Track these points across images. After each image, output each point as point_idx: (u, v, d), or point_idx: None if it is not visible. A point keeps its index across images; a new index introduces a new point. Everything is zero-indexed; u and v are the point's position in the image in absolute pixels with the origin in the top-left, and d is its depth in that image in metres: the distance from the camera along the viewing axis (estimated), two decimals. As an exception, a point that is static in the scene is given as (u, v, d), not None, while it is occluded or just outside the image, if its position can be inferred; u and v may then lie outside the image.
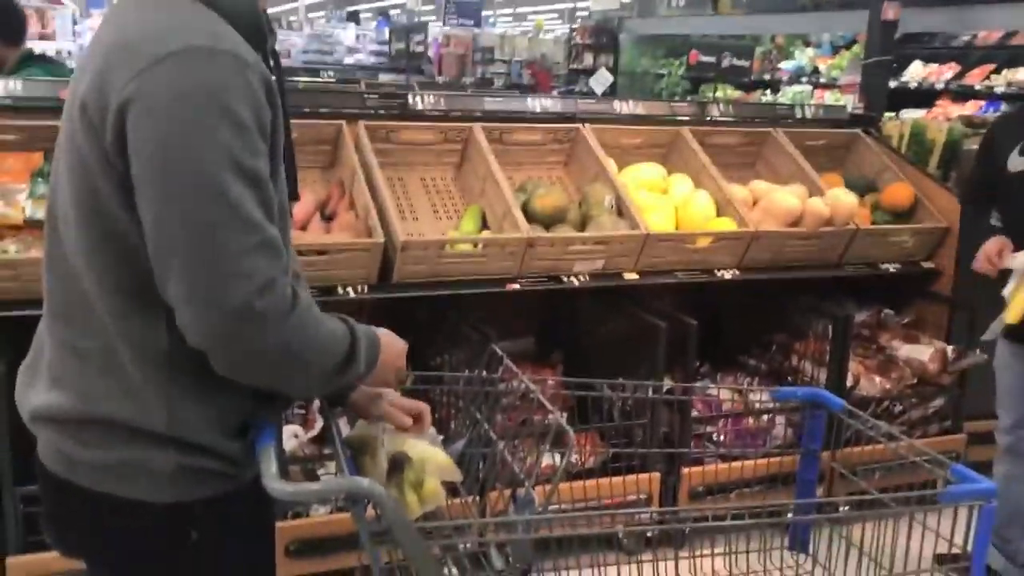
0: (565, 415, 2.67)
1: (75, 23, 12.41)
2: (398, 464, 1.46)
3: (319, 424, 2.63)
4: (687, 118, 3.46)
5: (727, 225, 3.01)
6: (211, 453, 1.29)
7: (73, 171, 1.25)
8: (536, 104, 3.26)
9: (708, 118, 3.54)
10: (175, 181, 1.15)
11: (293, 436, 2.59)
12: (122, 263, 1.24)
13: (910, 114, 6.17)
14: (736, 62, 4.38)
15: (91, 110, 1.20)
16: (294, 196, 1.45)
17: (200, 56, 1.17)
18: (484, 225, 2.88)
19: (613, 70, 10.69)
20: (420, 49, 6.79)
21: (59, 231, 1.30)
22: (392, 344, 1.47)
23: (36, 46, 11.37)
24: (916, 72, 8.24)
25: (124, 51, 1.19)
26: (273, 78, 1.32)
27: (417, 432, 1.56)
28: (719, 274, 2.99)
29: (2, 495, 2.28)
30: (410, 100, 3.12)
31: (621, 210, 2.93)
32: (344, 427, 1.61)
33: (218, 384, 1.25)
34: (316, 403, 2.06)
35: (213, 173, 1.15)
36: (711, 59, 4.56)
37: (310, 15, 23.70)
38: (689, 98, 10.64)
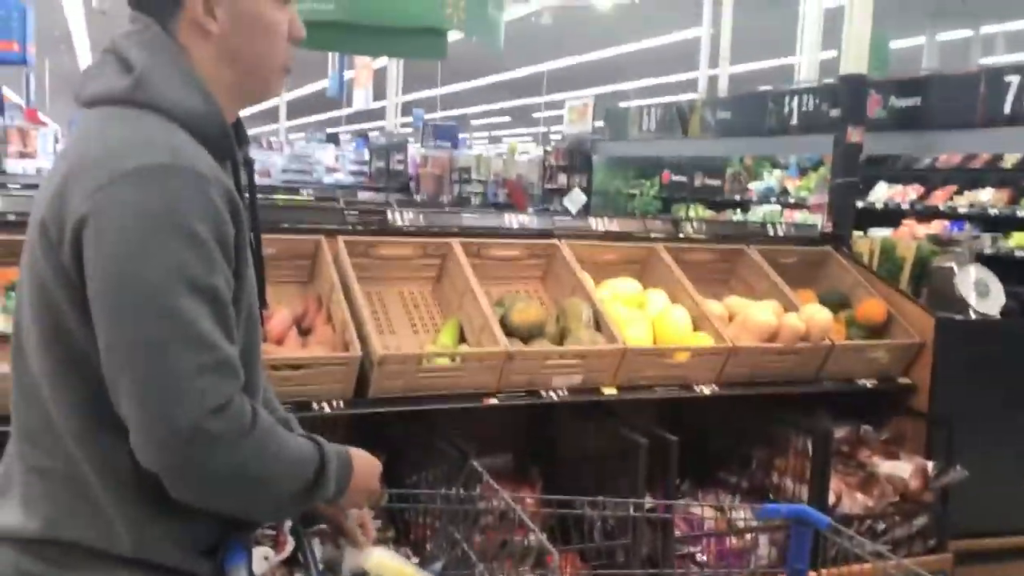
0: (545, 535, 2.62)
1: (56, 142, 12.63)
2: None
3: (290, 545, 2.54)
4: (661, 235, 3.52)
5: (704, 340, 3.02)
6: (179, 573, 1.24)
7: (33, 290, 1.24)
8: (513, 220, 3.31)
9: (682, 235, 3.60)
10: (126, 298, 1.14)
11: (263, 558, 2.49)
12: (82, 383, 1.21)
13: (879, 232, 6.33)
14: (708, 181, 4.43)
15: (50, 228, 1.20)
16: (263, 305, 1.43)
17: (157, 173, 1.17)
18: (462, 339, 2.87)
19: (587, 190, 10.96)
20: (400, 167, 6.96)
21: (24, 350, 1.28)
22: (366, 465, 1.43)
23: (18, 164, 11.53)
24: (881, 193, 8.51)
25: (83, 169, 1.19)
26: (244, 192, 1.33)
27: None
28: (698, 389, 2.98)
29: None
30: (389, 216, 3.15)
31: (599, 324, 2.93)
32: (316, 547, 1.56)
33: (186, 503, 1.21)
34: (287, 523, 2.00)
35: (165, 290, 1.13)
36: (683, 179, 4.62)
37: (290, 136, 24.26)
38: (662, 216, 10.89)
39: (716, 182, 4.22)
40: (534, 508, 2.88)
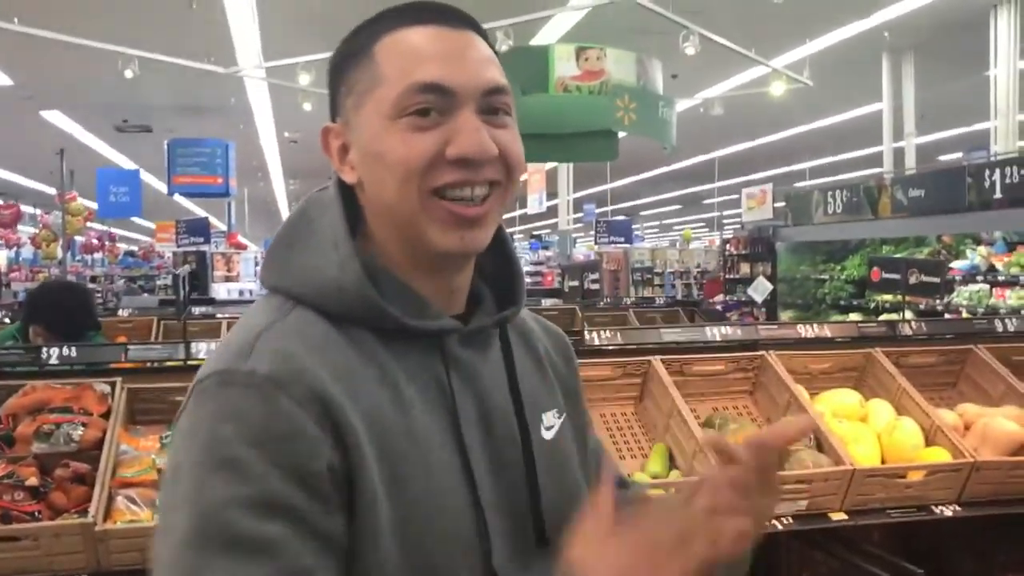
0: None
1: (256, 265, 13.54)
2: None
3: None
4: (877, 338, 3.27)
5: (940, 456, 2.74)
6: None
7: None
8: (715, 333, 3.17)
9: (900, 336, 3.34)
10: (158, 543, 0.95)
11: None
12: None
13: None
14: (925, 278, 4.06)
15: None
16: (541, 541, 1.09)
17: (211, 386, 0.96)
18: (672, 465, 2.73)
19: (771, 278, 10.61)
20: (595, 287, 7.02)
21: None
22: None
23: (223, 288, 12.39)
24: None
25: None
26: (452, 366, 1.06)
27: None
28: (937, 510, 2.69)
29: None
30: (586, 336, 3.09)
31: (820, 443, 2.72)
32: None
33: None
34: None
35: (188, 550, 0.90)
36: (895, 276, 4.26)
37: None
38: (855, 303, 10.36)
39: (935, 279, 3.82)
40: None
